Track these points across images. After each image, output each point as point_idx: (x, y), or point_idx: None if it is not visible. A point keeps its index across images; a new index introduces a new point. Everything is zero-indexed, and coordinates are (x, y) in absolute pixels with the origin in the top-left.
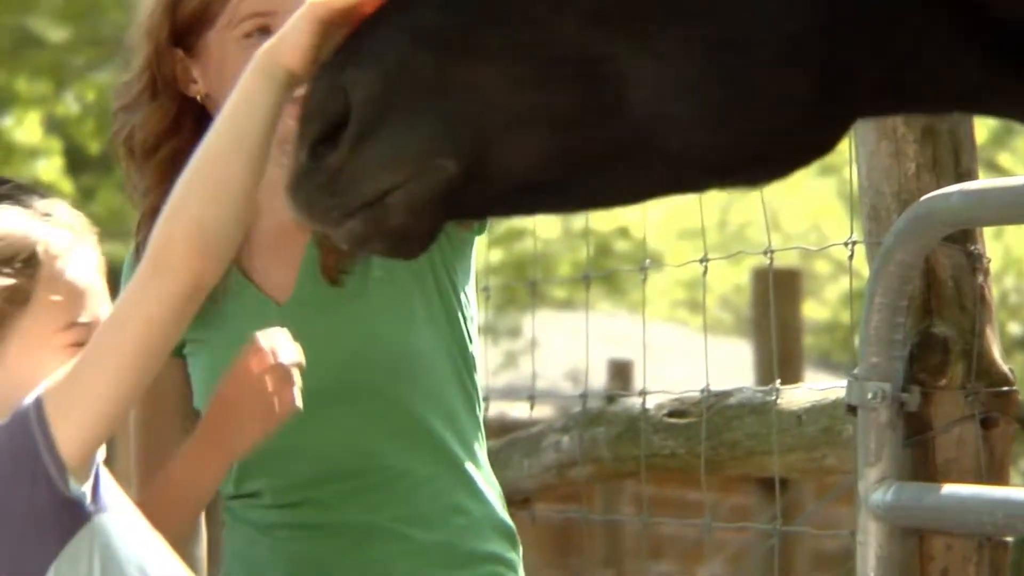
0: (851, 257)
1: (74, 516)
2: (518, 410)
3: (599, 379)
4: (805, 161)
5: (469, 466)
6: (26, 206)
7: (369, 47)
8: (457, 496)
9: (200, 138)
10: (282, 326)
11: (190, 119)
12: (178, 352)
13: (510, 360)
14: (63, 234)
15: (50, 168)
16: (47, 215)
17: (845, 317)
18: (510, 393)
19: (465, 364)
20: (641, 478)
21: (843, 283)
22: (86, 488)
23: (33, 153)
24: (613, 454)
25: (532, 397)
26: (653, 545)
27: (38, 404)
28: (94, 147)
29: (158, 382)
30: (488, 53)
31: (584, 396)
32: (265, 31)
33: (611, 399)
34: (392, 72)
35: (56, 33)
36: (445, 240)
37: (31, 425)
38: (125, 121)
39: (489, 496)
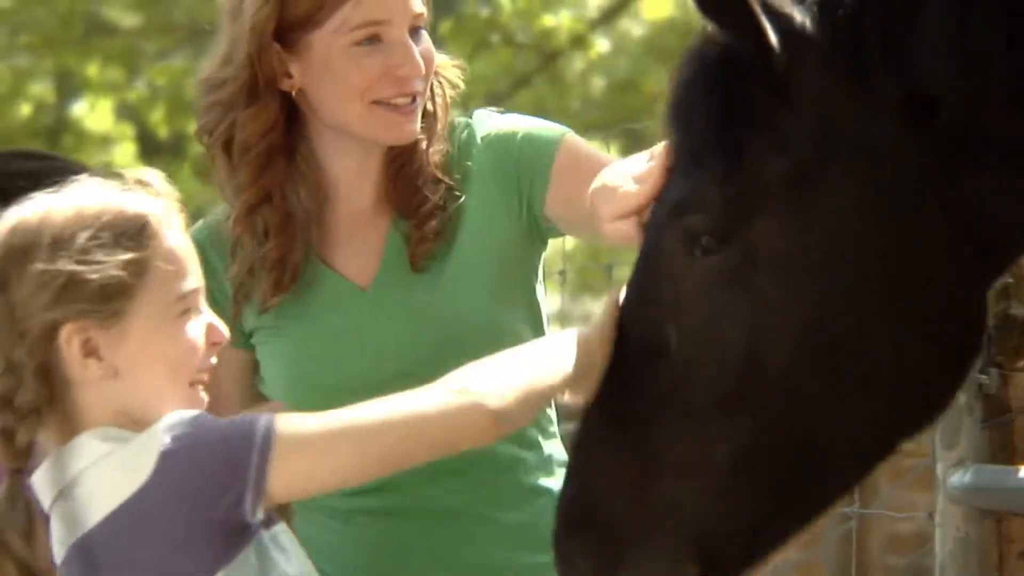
0: None
1: (246, 533)
2: None
3: None
4: None
5: (547, 447)
6: (119, 179)
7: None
8: (538, 477)
9: (291, 134)
10: (366, 310)
11: (284, 115)
12: (243, 343)
13: None
14: (164, 203)
15: (123, 154)
16: (146, 185)
17: None
18: None
19: None
20: None
21: None
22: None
23: (105, 140)
24: None
25: None
26: None
27: (268, 435)
28: (165, 133)
29: (217, 370)
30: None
31: None
32: (374, 39)
33: None
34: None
35: (128, 19)
36: (527, 237)
37: (252, 448)
38: (221, 117)
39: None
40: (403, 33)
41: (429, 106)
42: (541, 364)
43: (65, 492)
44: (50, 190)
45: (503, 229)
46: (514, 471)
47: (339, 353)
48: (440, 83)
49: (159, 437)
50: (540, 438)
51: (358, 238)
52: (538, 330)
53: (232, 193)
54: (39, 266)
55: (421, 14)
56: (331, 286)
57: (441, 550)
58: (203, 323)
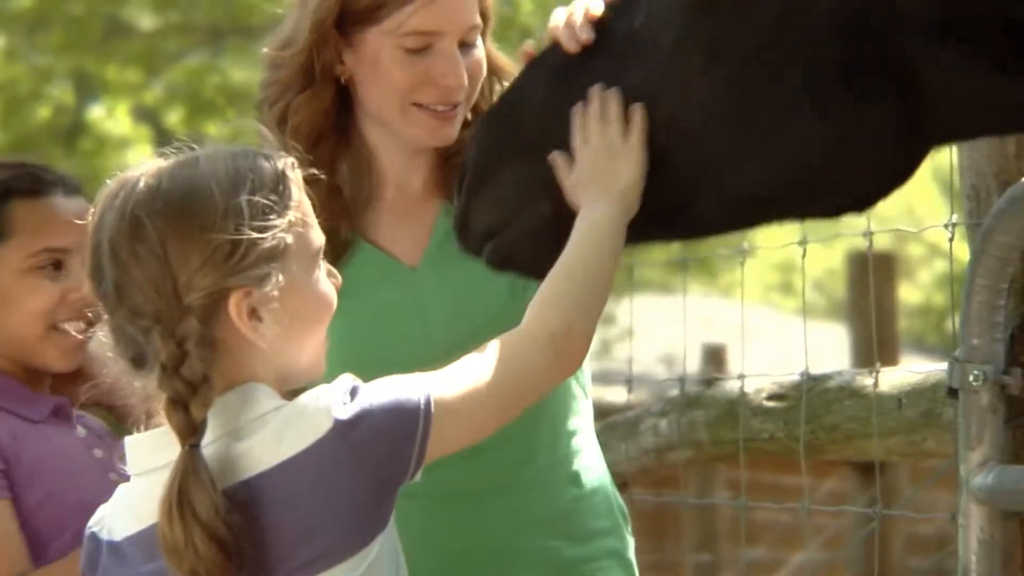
0: (951, 239)
1: (393, 502)
2: (614, 394)
3: (692, 363)
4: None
5: (582, 437)
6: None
7: (494, 107)
8: (572, 467)
9: (343, 118)
10: (415, 286)
11: (337, 102)
12: None
13: (605, 348)
14: (285, 156)
15: (140, 156)
16: (264, 140)
17: (938, 300)
18: (604, 378)
19: None
20: (740, 462)
21: (936, 266)
22: None
23: (123, 142)
24: (712, 437)
25: (630, 381)
26: (747, 530)
27: (428, 399)
28: (182, 133)
29: None
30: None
31: (682, 380)
32: (425, 50)
33: (709, 383)
34: (497, 131)
35: (147, 20)
36: None
37: (419, 413)
38: (279, 96)
39: (601, 469)
40: (453, 45)
41: (484, 104)
42: (592, 259)
43: (223, 438)
44: (173, 156)
45: None
46: (550, 456)
47: (388, 327)
48: (499, 82)
49: (332, 397)
50: (576, 427)
51: (407, 221)
52: None
53: None
54: (209, 236)
55: (475, 27)
56: (380, 263)
57: (474, 533)
58: (324, 270)
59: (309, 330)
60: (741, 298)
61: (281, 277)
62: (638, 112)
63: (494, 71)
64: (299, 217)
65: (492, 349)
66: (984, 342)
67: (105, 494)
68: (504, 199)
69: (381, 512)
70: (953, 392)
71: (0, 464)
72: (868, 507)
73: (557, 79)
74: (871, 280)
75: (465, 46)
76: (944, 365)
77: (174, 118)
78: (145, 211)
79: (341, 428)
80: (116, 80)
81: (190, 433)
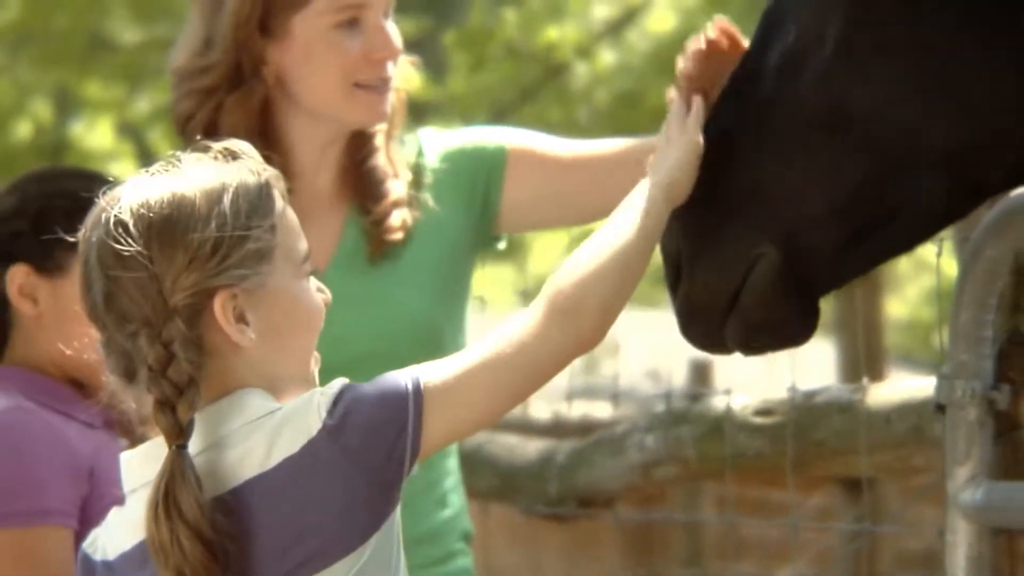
0: (939, 255)
1: (397, 493)
2: (600, 410)
3: (678, 379)
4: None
5: (451, 459)
6: (207, 151)
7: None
8: (442, 489)
9: (264, 118)
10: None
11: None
12: None
13: (591, 363)
14: (267, 167)
15: (123, 172)
16: (241, 154)
17: (926, 315)
18: (590, 393)
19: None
20: (726, 478)
21: (923, 280)
22: None
23: (106, 157)
24: (698, 454)
25: (616, 396)
26: (734, 546)
27: (418, 388)
28: (166, 149)
29: None
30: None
31: (668, 395)
32: (353, 23)
33: (695, 398)
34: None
35: (129, 35)
36: (474, 247)
37: (408, 405)
38: (201, 103)
39: (461, 490)
40: (380, 17)
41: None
42: (623, 236)
43: (214, 446)
44: (156, 168)
45: (455, 235)
46: (431, 474)
47: None
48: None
49: (318, 399)
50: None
51: (315, 222)
52: (461, 337)
53: None
54: (192, 236)
55: None
56: None
57: None
58: (314, 285)
59: (297, 337)
60: None
61: (267, 280)
62: (696, 101)
63: None
64: (284, 224)
65: (502, 327)
66: (972, 358)
67: None
68: (727, 261)
69: (378, 510)
70: (940, 408)
71: (85, 489)
72: (856, 523)
73: (739, 127)
74: (858, 294)
75: (386, 18)
76: (932, 380)
77: (157, 134)
78: (131, 216)
79: (331, 429)
80: (98, 96)
81: (177, 435)
